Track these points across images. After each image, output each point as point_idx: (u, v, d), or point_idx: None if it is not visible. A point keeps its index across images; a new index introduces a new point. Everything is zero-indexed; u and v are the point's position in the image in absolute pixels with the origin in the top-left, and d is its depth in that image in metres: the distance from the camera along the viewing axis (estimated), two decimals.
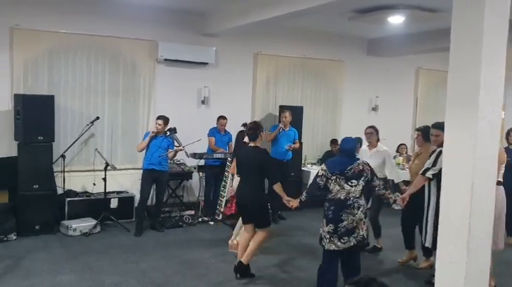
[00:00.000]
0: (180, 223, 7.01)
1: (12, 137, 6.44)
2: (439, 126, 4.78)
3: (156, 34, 7.41)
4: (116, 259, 5.50)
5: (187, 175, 7.48)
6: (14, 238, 6.05)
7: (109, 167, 6.65)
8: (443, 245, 3.54)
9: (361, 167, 4.24)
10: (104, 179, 6.61)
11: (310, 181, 7.39)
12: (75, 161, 7.11)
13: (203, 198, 7.39)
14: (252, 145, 4.97)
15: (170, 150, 6.67)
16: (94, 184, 6.93)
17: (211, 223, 7.14)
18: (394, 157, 8.52)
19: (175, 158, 7.24)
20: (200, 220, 7.19)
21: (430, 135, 4.99)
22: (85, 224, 6.42)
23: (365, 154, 5.94)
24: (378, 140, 6.09)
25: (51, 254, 5.57)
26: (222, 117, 7.50)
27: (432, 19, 6.76)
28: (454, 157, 3.44)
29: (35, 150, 6.24)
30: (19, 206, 6.23)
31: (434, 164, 4.65)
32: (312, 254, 5.78)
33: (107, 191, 6.72)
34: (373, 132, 6.01)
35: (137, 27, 7.29)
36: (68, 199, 6.70)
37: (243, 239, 5.07)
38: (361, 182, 4.22)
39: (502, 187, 4.72)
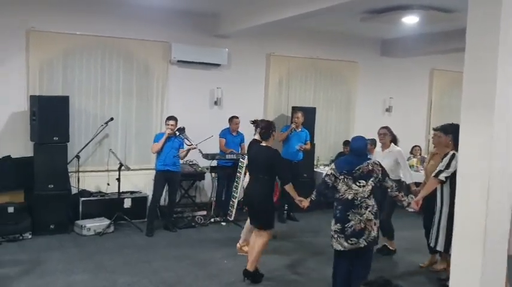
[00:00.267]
0: (193, 223, 7.00)
1: (28, 138, 6.49)
2: (442, 128, 4.88)
3: (169, 36, 7.43)
4: (129, 259, 5.51)
5: (200, 176, 7.46)
6: (29, 237, 6.09)
7: (123, 168, 6.66)
8: (458, 249, 3.49)
9: (370, 167, 4.16)
10: (118, 179, 6.63)
11: None
12: (90, 162, 7.12)
13: (215, 198, 7.37)
14: (264, 144, 4.94)
15: (182, 149, 6.69)
16: (108, 184, 6.96)
17: (223, 223, 7.12)
18: (408, 159, 8.45)
19: (187, 159, 7.21)
20: (212, 220, 7.15)
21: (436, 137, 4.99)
22: (99, 223, 6.45)
23: (379, 156, 5.89)
24: (392, 141, 6.00)
25: (66, 254, 5.61)
26: (235, 117, 7.45)
27: (447, 19, 6.67)
28: (470, 160, 3.39)
29: (51, 150, 6.28)
30: (34, 206, 6.26)
31: (447, 166, 4.60)
32: (323, 255, 5.75)
33: (121, 191, 6.74)
34: (386, 133, 5.94)
35: (151, 29, 7.31)
36: (82, 198, 6.73)
37: (253, 242, 5.00)
38: (370, 183, 4.14)
39: None
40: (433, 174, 4.73)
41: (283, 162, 5.30)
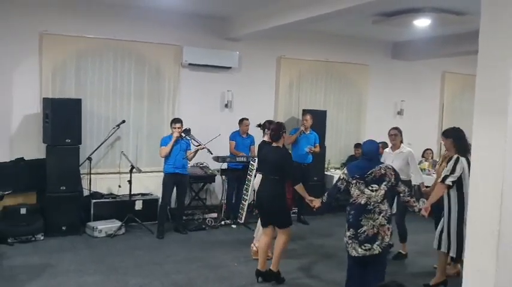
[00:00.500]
0: (203, 226, 7.01)
1: (40, 140, 6.55)
2: (443, 133, 4.95)
3: (180, 39, 7.47)
4: (140, 261, 5.53)
5: (210, 178, 7.46)
6: (42, 238, 6.14)
7: (134, 170, 6.67)
8: (471, 253, 3.45)
9: (382, 172, 4.11)
10: (129, 182, 6.65)
11: None
12: (101, 164, 7.18)
13: (225, 201, 7.37)
14: (275, 145, 4.95)
15: (189, 151, 6.70)
16: (119, 186, 6.96)
17: (234, 226, 7.11)
18: (420, 163, 8.42)
19: (198, 161, 7.26)
20: (223, 223, 7.15)
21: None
22: (110, 225, 6.48)
23: (388, 156, 5.89)
24: (401, 141, 6.01)
25: (77, 255, 5.64)
26: (245, 119, 7.44)
27: (459, 22, 6.63)
28: (483, 165, 3.35)
29: (63, 152, 6.32)
30: (47, 208, 6.31)
31: (453, 171, 4.58)
32: (334, 258, 5.74)
33: (132, 193, 6.76)
34: (397, 134, 5.94)
35: (162, 32, 7.35)
36: (94, 200, 6.76)
37: (262, 244, 5.02)
38: (383, 187, 4.09)
39: None
40: (440, 179, 4.71)
41: (294, 163, 5.30)
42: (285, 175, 4.83)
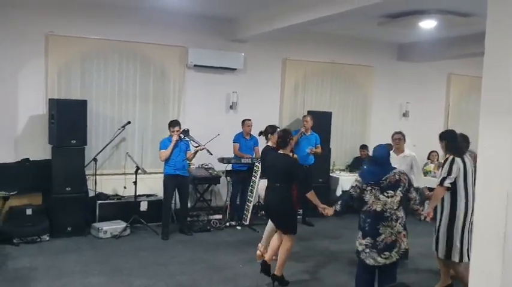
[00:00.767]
0: (208, 227, 7.02)
1: (46, 141, 6.57)
2: (439, 135, 4.96)
3: (186, 40, 7.50)
4: (145, 262, 5.54)
5: (215, 179, 7.43)
6: (47, 239, 6.16)
7: (139, 171, 6.70)
8: (477, 255, 3.42)
9: (397, 177, 4.05)
10: (135, 183, 6.68)
11: (339, 187, 8.01)
12: (107, 165, 7.20)
13: (230, 202, 7.37)
14: (282, 152, 4.94)
15: (189, 152, 6.66)
16: (125, 187, 7.01)
17: (239, 227, 7.12)
18: (425, 165, 8.43)
19: (202, 162, 7.28)
20: (227, 224, 7.16)
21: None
22: (115, 226, 6.50)
23: (392, 160, 5.81)
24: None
25: (82, 256, 5.66)
26: (247, 120, 7.42)
27: (465, 24, 6.61)
28: (489, 165, 3.34)
29: (68, 153, 6.36)
30: (52, 208, 6.32)
31: (449, 172, 4.59)
32: (339, 261, 5.75)
33: (137, 194, 6.78)
34: (401, 139, 5.98)
35: (168, 33, 7.38)
36: (99, 201, 6.77)
37: (275, 240, 5.05)
38: (399, 193, 4.03)
39: None
40: (438, 182, 4.70)
41: (303, 169, 5.35)
42: (292, 181, 4.84)
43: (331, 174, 8.36)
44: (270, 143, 5.72)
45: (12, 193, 6.09)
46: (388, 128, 7.37)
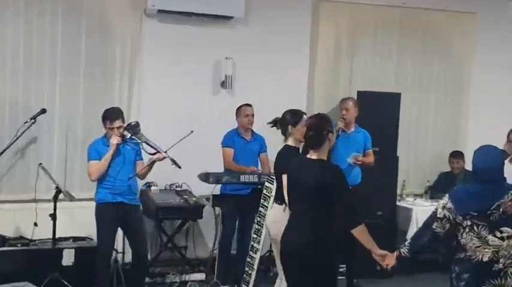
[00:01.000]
0: None
1: None
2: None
3: None
4: None
5: (195, 211, 7.08)
6: None
7: (62, 196, 6.39)
8: None
9: None
10: (53, 216, 6.29)
11: (412, 224, 7.80)
12: (4, 185, 6.98)
13: (218, 251, 7.02)
14: (314, 156, 4.67)
15: (140, 163, 6.36)
16: (35, 224, 6.67)
17: None
18: None
19: (171, 180, 7.19)
20: None
21: None
22: None
23: (508, 175, 5.34)
24: None
25: None
26: (246, 105, 7.16)
27: None
28: None
29: None
30: None
31: None
32: None
33: (58, 236, 6.48)
34: None
35: None
36: None
37: None
38: None
39: None
40: None
41: (350, 187, 5.05)
42: (333, 207, 4.63)
43: (398, 203, 7.94)
44: (290, 142, 5.57)
45: None
46: (499, 121, 7.60)
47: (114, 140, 6.15)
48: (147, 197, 6.98)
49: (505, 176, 4.14)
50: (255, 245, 6.53)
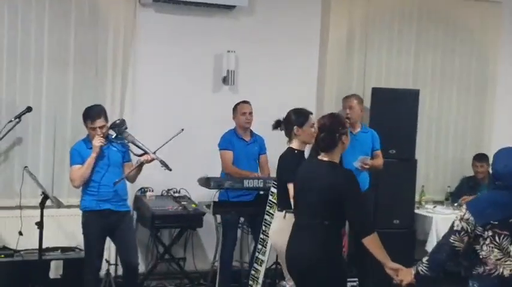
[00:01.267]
0: None
1: None
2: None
3: None
4: None
5: (194, 220, 6.98)
6: None
7: (48, 202, 6.17)
8: None
9: None
10: (39, 224, 6.06)
11: (432, 234, 7.71)
12: None
13: (220, 263, 6.89)
14: (326, 158, 4.62)
15: (127, 164, 6.18)
16: (20, 233, 6.55)
17: None
18: None
19: (167, 187, 7.08)
20: None
21: None
22: None
23: None
24: None
25: None
26: (244, 102, 7.03)
27: None
28: None
29: None
30: None
31: None
32: None
33: (44, 247, 6.28)
34: None
35: None
36: None
37: None
38: None
39: None
40: None
41: (361, 194, 4.94)
42: (343, 216, 4.58)
43: (416, 210, 7.77)
44: (294, 145, 5.49)
45: None
46: None
47: (97, 141, 5.98)
48: (142, 204, 6.86)
49: None
50: (260, 256, 6.41)
